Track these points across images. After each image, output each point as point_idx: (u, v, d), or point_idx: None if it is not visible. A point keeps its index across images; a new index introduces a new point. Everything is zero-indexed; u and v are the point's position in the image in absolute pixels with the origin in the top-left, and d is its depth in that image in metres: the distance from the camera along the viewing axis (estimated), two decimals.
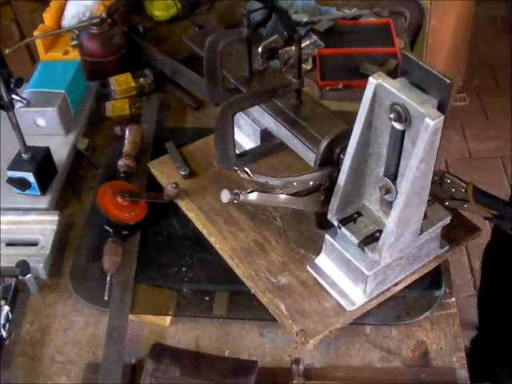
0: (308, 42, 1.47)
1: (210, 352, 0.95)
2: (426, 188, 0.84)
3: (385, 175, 0.86)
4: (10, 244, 1.08)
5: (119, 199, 1.09)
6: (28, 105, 1.24)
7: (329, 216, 0.91)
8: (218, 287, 1.03)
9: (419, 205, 0.85)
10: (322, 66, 1.47)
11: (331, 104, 1.22)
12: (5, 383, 0.92)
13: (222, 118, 0.98)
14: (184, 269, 1.04)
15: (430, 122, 0.74)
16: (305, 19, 1.54)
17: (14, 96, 1.12)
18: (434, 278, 1.00)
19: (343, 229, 0.90)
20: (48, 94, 1.27)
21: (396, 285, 0.96)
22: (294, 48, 1.02)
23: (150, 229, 1.11)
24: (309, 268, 0.99)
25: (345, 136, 0.87)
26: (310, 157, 1.00)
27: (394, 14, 1.64)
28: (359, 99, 0.82)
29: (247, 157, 1.10)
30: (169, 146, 1.21)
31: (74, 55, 1.46)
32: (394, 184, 0.85)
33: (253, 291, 0.98)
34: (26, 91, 1.27)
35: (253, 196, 0.85)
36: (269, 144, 1.15)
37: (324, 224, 0.94)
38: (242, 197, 0.84)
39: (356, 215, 0.91)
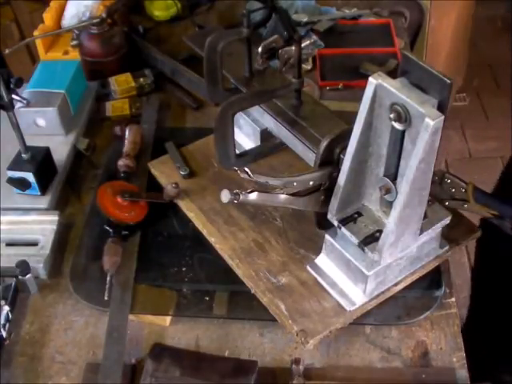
0: (308, 42, 1.47)
1: (210, 352, 0.95)
2: (425, 188, 0.84)
3: (385, 175, 0.86)
4: (9, 244, 1.08)
5: (119, 199, 1.09)
6: (28, 105, 1.24)
7: (329, 216, 0.91)
8: (218, 287, 1.03)
9: (419, 205, 0.85)
10: (322, 66, 1.47)
11: (331, 104, 1.22)
12: (5, 383, 0.92)
13: (221, 118, 0.98)
14: (184, 269, 1.04)
15: (429, 122, 0.74)
16: (305, 19, 1.54)
17: (14, 96, 1.12)
18: (434, 278, 1.00)
19: (343, 229, 0.90)
20: (48, 93, 1.27)
21: (396, 285, 0.96)
22: (294, 48, 1.02)
23: (149, 229, 1.11)
24: (309, 268, 0.99)
25: (345, 136, 0.87)
26: (309, 157, 1.00)
27: (394, 13, 1.64)
28: (359, 99, 0.82)
29: (247, 157, 1.10)
30: (169, 146, 1.21)
31: (74, 55, 1.46)
32: (394, 184, 0.84)
33: (253, 291, 0.98)
34: (25, 91, 1.27)
35: (253, 196, 0.85)
36: (269, 144, 1.15)
37: (324, 224, 0.94)
38: (242, 197, 0.84)
39: (356, 215, 0.91)
